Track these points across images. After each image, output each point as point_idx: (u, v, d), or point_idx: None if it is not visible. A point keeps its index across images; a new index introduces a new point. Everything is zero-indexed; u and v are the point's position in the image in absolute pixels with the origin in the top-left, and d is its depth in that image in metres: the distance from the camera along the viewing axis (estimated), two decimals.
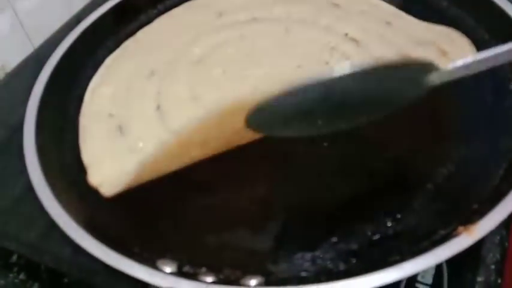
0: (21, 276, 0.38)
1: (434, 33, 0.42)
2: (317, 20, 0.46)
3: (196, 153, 0.36)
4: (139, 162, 0.36)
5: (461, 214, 0.29)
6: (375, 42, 0.43)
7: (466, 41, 0.41)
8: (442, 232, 0.29)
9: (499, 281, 0.34)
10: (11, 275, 0.38)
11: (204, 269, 0.28)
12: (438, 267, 0.34)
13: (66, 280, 0.37)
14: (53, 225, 0.31)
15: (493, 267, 0.35)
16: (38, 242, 0.36)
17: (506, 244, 0.36)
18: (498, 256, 0.35)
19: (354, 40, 0.43)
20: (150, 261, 0.29)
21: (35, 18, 0.58)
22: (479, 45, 0.41)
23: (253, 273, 0.28)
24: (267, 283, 0.28)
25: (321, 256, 0.30)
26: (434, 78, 0.28)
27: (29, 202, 0.36)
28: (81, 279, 0.36)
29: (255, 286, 0.27)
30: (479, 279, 0.34)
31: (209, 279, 0.27)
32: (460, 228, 0.28)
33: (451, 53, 0.40)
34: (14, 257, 0.39)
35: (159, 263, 0.28)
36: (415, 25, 0.44)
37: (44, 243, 0.36)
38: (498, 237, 0.36)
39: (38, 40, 0.59)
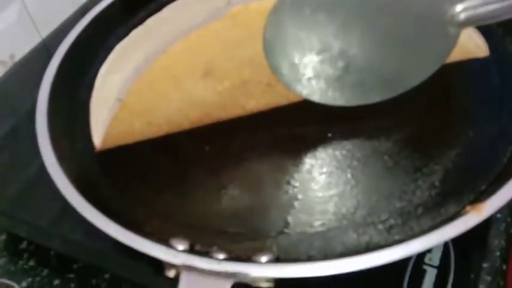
0: (31, 262, 0.39)
1: None
2: None
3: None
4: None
5: (469, 194, 0.30)
6: None
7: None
8: (450, 211, 0.29)
9: (504, 267, 0.35)
10: (20, 262, 0.39)
11: (215, 248, 0.29)
12: (445, 250, 0.34)
13: (75, 266, 0.38)
14: (64, 211, 0.32)
15: (498, 253, 0.35)
16: (49, 227, 0.37)
17: (511, 231, 0.37)
18: (503, 243, 0.36)
19: None
20: (163, 240, 0.29)
21: (43, 8, 0.59)
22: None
23: (263, 251, 0.29)
24: (277, 261, 0.28)
25: (331, 236, 0.30)
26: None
27: (39, 188, 0.37)
28: (92, 263, 0.37)
29: (265, 262, 0.27)
30: (485, 265, 0.34)
31: (221, 256, 0.28)
32: (468, 208, 0.28)
33: None
34: (24, 244, 0.40)
35: (172, 241, 0.29)
36: None
37: (55, 228, 0.37)
38: (504, 225, 0.37)
39: (46, 30, 0.59)
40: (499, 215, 0.38)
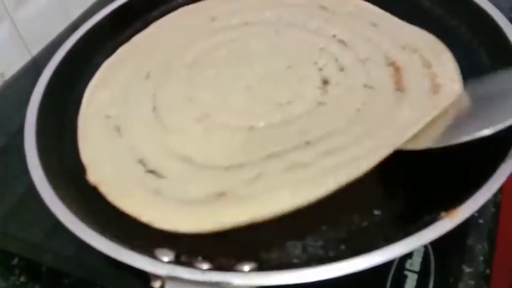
0: (22, 278, 0.39)
1: (419, 39, 0.44)
2: (306, 22, 0.48)
3: None
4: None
5: (444, 200, 0.31)
6: (362, 44, 0.44)
7: (448, 54, 0.42)
8: (426, 218, 0.30)
9: (488, 271, 0.35)
10: (12, 278, 0.39)
11: (200, 258, 0.30)
12: (425, 255, 0.35)
13: (67, 281, 0.38)
14: (54, 226, 0.32)
15: (481, 258, 0.36)
16: (40, 243, 0.37)
17: (494, 236, 0.38)
18: (486, 247, 0.37)
19: (342, 42, 0.45)
20: (149, 252, 0.30)
21: (33, 26, 0.60)
22: (460, 44, 0.43)
23: (246, 260, 0.29)
24: (259, 269, 0.29)
25: (312, 244, 0.31)
26: None
27: (29, 204, 0.38)
28: (83, 278, 0.37)
29: (248, 271, 0.28)
30: (468, 269, 0.35)
31: (205, 266, 0.29)
32: (443, 214, 0.29)
33: (435, 64, 0.41)
34: (15, 260, 0.40)
35: (158, 253, 0.30)
36: (399, 27, 0.46)
37: (46, 243, 0.37)
38: (486, 229, 0.38)
39: (36, 48, 0.60)
40: (481, 220, 0.38)
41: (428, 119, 0.36)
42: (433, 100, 0.38)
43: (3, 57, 0.57)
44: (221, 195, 0.34)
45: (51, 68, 0.44)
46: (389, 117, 0.37)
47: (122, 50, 0.48)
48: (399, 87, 0.40)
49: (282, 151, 0.36)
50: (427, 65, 0.41)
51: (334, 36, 0.46)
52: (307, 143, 0.37)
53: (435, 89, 0.39)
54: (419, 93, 0.39)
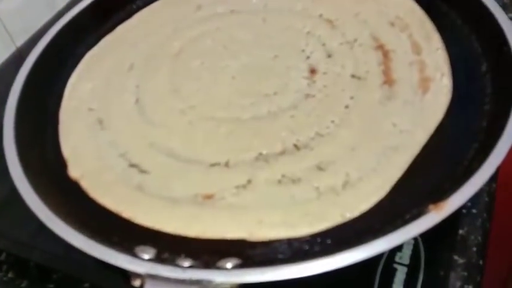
0: (10, 274, 0.38)
1: (408, 13, 0.42)
2: (293, 6, 0.46)
3: None
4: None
5: (432, 193, 0.30)
6: (349, 22, 0.43)
7: (438, 37, 0.41)
8: (414, 211, 0.29)
9: (481, 262, 0.35)
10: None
11: (182, 255, 0.29)
12: (415, 248, 0.35)
13: (55, 276, 0.38)
14: (41, 223, 0.31)
15: (474, 249, 0.35)
16: (28, 239, 0.37)
17: (488, 226, 0.37)
18: (480, 238, 0.36)
19: (329, 21, 0.44)
20: (129, 250, 0.29)
21: (17, 18, 0.58)
22: (450, 29, 0.42)
23: (231, 257, 0.29)
24: (243, 266, 0.28)
25: (297, 239, 0.31)
26: None
27: (16, 202, 0.37)
28: (71, 274, 0.37)
29: (231, 268, 0.28)
30: (462, 260, 0.35)
31: (186, 264, 0.28)
32: (431, 206, 0.28)
33: (424, 50, 0.40)
34: (3, 256, 0.39)
35: (138, 251, 0.29)
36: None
37: (34, 240, 0.37)
38: (480, 220, 0.37)
39: (21, 40, 0.59)
40: (474, 211, 0.38)
41: (425, 138, 0.34)
42: (425, 103, 0.36)
43: None
44: (208, 197, 0.33)
45: (31, 59, 0.43)
46: (380, 119, 0.36)
47: (104, 41, 0.47)
48: (387, 79, 0.39)
49: (271, 155, 0.35)
50: (417, 49, 0.40)
51: (320, 15, 0.44)
52: (296, 146, 0.35)
53: (425, 84, 0.37)
54: (408, 88, 0.38)
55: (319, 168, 0.34)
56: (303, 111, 0.38)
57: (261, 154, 0.35)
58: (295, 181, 0.33)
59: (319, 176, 0.33)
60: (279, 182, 0.33)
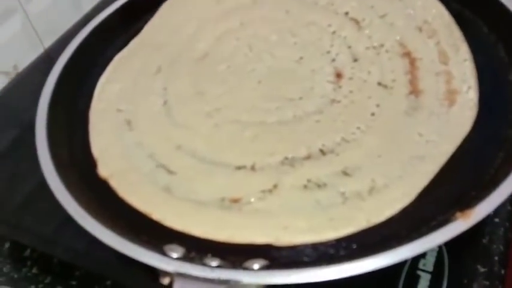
0: (34, 270, 0.39)
1: (436, 19, 0.42)
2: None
3: None
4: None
5: (459, 201, 0.30)
6: (376, 24, 0.43)
7: (465, 48, 0.40)
8: (440, 218, 0.29)
9: (503, 272, 0.35)
10: (24, 269, 0.39)
11: (209, 255, 0.29)
12: (439, 255, 0.35)
13: (77, 273, 0.38)
14: (67, 219, 0.32)
15: (496, 258, 0.35)
16: (53, 235, 0.38)
17: (510, 236, 0.37)
18: (502, 248, 0.36)
19: (355, 20, 0.43)
20: (158, 248, 0.30)
21: (45, 19, 0.60)
22: (477, 37, 0.41)
23: (256, 258, 0.29)
24: (269, 267, 0.29)
25: (323, 243, 0.31)
26: None
27: (42, 198, 0.38)
28: (94, 271, 0.38)
29: (257, 269, 0.28)
30: (483, 269, 0.35)
31: (214, 263, 0.28)
32: (458, 214, 0.28)
33: (451, 60, 0.40)
34: (27, 251, 0.40)
35: (167, 249, 0.29)
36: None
37: (58, 236, 0.38)
38: (502, 229, 0.37)
39: (49, 41, 0.61)
40: (497, 220, 0.38)
41: (440, 163, 0.34)
42: (451, 116, 0.36)
43: (16, 50, 0.57)
44: (235, 201, 0.33)
45: (62, 61, 0.44)
46: (405, 129, 0.36)
47: (133, 44, 0.48)
48: (414, 89, 0.38)
49: (296, 159, 0.35)
50: (444, 59, 0.40)
51: (346, 13, 0.44)
52: (322, 151, 0.35)
53: (451, 96, 0.37)
54: (434, 102, 0.37)
55: (345, 173, 0.34)
56: (328, 116, 0.38)
57: (286, 158, 0.35)
58: (320, 186, 0.33)
59: (345, 182, 0.33)
60: (305, 187, 0.34)
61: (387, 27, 0.43)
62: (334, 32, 0.43)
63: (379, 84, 0.39)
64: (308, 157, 0.35)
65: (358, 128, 0.37)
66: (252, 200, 0.33)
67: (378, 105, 0.38)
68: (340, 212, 0.32)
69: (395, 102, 0.38)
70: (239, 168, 0.35)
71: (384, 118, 0.37)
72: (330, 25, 0.44)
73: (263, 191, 0.34)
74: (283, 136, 0.37)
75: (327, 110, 0.38)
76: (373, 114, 0.37)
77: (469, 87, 0.38)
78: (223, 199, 0.34)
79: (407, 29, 0.42)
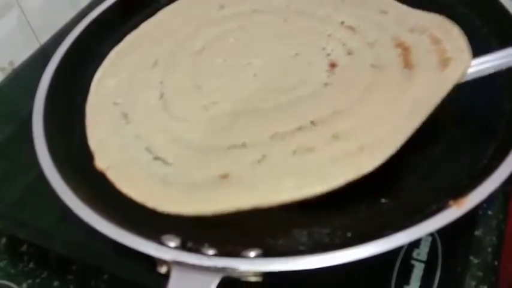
0: (31, 264, 0.40)
1: (428, 21, 0.43)
2: (315, 10, 0.47)
3: None
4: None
5: (452, 190, 0.30)
6: (370, 29, 0.44)
7: (458, 30, 0.41)
8: (434, 207, 0.30)
9: (496, 263, 0.35)
10: (21, 264, 0.40)
11: (206, 244, 0.30)
12: (433, 245, 0.35)
13: (74, 267, 0.39)
14: (63, 213, 0.32)
15: (489, 249, 0.36)
16: (49, 230, 0.38)
17: (503, 228, 0.38)
18: (495, 239, 0.36)
19: (350, 27, 0.45)
20: (156, 238, 0.30)
21: (41, 15, 0.60)
22: (471, 31, 0.42)
23: (252, 247, 0.29)
24: (265, 256, 0.29)
25: (318, 231, 0.31)
26: None
27: (38, 192, 0.38)
28: (91, 264, 0.38)
29: (254, 257, 0.28)
30: (477, 260, 0.35)
31: (211, 252, 0.29)
32: (451, 202, 0.29)
33: (444, 41, 0.40)
34: (24, 246, 0.41)
35: (164, 239, 0.30)
36: (409, 13, 0.45)
37: (55, 230, 0.38)
38: (495, 221, 0.37)
39: (45, 37, 0.61)
40: (490, 212, 0.38)
41: (440, 96, 0.35)
42: (443, 74, 0.37)
43: (12, 46, 0.57)
44: (225, 176, 0.34)
45: (58, 56, 0.44)
46: (398, 95, 0.36)
47: (130, 38, 0.48)
48: (407, 64, 0.39)
49: (288, 132, 0.36)
50: (436, 42, 0.40)
51: (342, 22, 0.45)
52: (313, 123, 0.36)
53: (444, 62, 0.38)
54: (428, 68, 0.38)
55: (335, 137, 0.34)
56: (321, 97, 0.38)
57: (277, 133, 0.36)
58: (310, 149, 0.34)
59: (335, 144, 0.34)
60: (294, 152, 0.34)
61: (381, 30, 0.44)
62: (329, 35, 0.44)
63: (373, 66, 0.40)
64: (299, 129, 0.36)
65: (351, 100, 0.37)
66: (242, 172, 0.34)
67: (371, 82, 0.38)
68: (330, 168, 0.32)
69: (389, 76, 0.39)
70: (230, 147, 0.36)
71: (377, 89, 0.38)
72: (326, 29, 0.45)
73: (252, 163, 0.34)
74: (276, 116, 0.37)
75: (320, 92, 0.39)
76: (366, 88, 0.38)
77: (462, 51, 0.38)
78: (214, 177, 0.34)
79: (401, 30, 0.43)
